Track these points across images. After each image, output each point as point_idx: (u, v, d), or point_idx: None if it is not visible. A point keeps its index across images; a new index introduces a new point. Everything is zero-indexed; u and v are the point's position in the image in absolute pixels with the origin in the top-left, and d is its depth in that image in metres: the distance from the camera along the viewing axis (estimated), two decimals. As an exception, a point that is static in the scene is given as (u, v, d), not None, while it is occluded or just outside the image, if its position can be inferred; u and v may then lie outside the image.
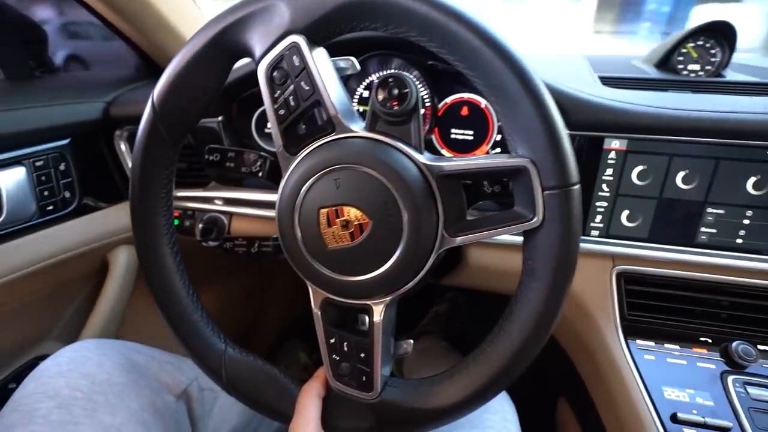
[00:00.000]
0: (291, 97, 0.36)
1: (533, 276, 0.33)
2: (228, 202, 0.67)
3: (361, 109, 0.62)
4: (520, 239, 0.55)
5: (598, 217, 0.54)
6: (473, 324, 1.18)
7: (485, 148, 0.58)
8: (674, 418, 0.45)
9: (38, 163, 0.59)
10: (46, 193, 0.61)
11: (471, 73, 0.32)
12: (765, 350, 0.51)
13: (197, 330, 0.42)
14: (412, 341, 0.41)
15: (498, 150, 0.58)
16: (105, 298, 0.71)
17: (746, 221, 0.50)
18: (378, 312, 0.37)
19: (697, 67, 0.61)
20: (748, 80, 0.63)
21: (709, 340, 0.52)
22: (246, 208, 0.66)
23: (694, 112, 0.48)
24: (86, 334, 0.71)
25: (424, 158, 0.35)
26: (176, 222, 0.69)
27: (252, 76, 0.60)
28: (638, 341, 0.52)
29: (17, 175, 0.57)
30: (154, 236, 0.42)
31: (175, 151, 0.42)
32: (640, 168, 0.51)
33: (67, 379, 0.45)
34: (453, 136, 0.59)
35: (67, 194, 0.64)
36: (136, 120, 0.41)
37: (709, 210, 0.50)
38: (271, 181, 0.51)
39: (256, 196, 0.65)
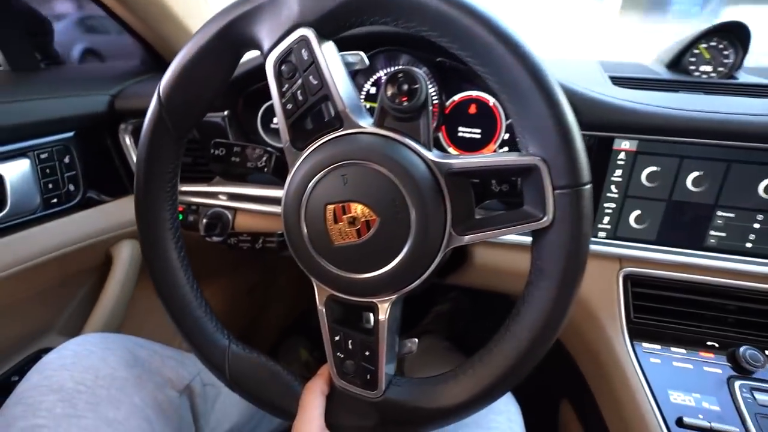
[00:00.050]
0: (299, 92, 0.35)
1: (542, 276, 0.32)
2: (232, 197, 0.67)
3: (368, 105, 0.62)
4: (526, 239, 0.56)
5: (606, 219, 0.53)
6: (475, 324, 1.18)
7: (493, 146, 0.58)
8: (680, 423, 0.44)
9: (43, 156, 0.59)
10: (50, 185, 0.60)
11: (483, 70, 0.32)
12: (773, 355, 0.50)
13: (201, 326, 0.42)
14: (416, 340, 0.41)
15: (506, 149, 0.58)
16: (108, 292, 0.71)
17: (756, 225, 0.49)
18: (383, 310, 0.36)
19: (709, 68, 0.60)
20: (762, 82, 0.62)
21: (716, 345, 0.52)
22: (250, 204, 0.65)
23: (706, 114, 0.47)
24: (89, 327, 0.71)
25: (432, 155, 0.34)
26: (180, 217, 0.68)
27: (258, 70, 0.59)
28: (644, 344, 0.52)
29: (21, 167, 0.57)
30: (159, 231, 0.42)
31: (180, 145, 0.41)
32: (649, 169, 0.50)
33: (70, 373, 0.45)
34: (460, 134, 0.59)
35: (72, 187, 0.64)
36: (142, 113, 0.41)
37: (719, 213, 0.50)
38: (277, 176, 0.50)
39: (260, 191, 0.64)
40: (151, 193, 0.41)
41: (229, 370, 0.41)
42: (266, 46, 0.35)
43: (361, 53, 0.39)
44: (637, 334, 0.53)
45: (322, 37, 0.35)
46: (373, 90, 0.61)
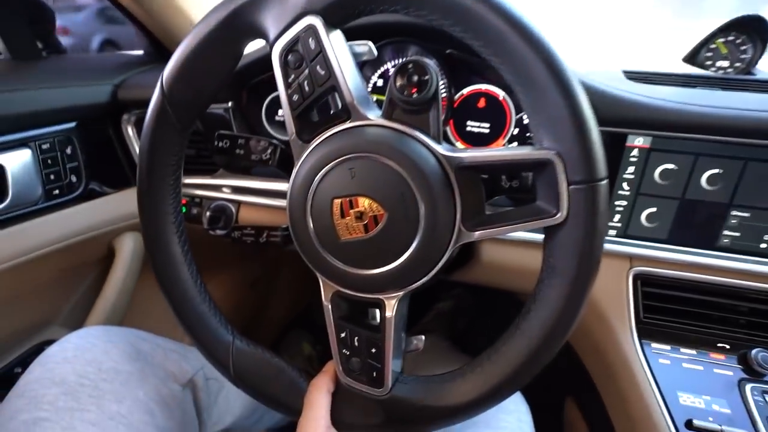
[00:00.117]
0: (306, 82, 0.34)
1: (554, 274, 0.31)
2: (236, 190, 0.66)
3: (375, 98, 0.60)
4: (536, 236, 0.55)
5: (617, 217, 0.52)
6: (477, 323, 1.17)
7: (501, 142, 0.57)
8: (689, 425, 0.44)
9: (44, 146, 0.58)
10: (52, 176, 0.60)
11: (496, 60, 0.31)
12: (785, 358, 0.49)
13: (204, 321, 0.41)
14: (423, 337, 0.40)
15: (515, 145, 0.57)
16: (111, 284, 0.71)
17: (772, 225, 0.48)
18: (390, 307, 0.36)
19: (725, 63, 0.58)
20: None
21: (727, 346, 0.51)
22: (254, 197, 0.64)
23: (723, 110, 0.46)
24: (92, 320, 0.70)
25: (442, 149, 0.33)
26: (183, 209, 0.68)
27: (263, 60, 0.58)
28: (653, 344, 0.51)
29: (23, 157, 0.56)
30: (161, 224, 0.41)
31: (183, 137, 0.40)
32: (663, 167, 0.49)
33: (73, 366, 0.45)
34: (468, 128, 0.58)
35: (74, 178, 0.63)
36: (144, 104, 0.40)
37: (734, 213, 0.49)
38: (281, 169, 0.49)
39: (264, 184, 0.63)
40: (153, 185, 0.41)
41: (233, 366, 0.40)
42: (272, 35, 0.34)
43: (370, 43, 0.38)
44: (647, 334, 0.52)
45: (330, 25, 0.34)
46: (380, 82, 0.60)
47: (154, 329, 0.57)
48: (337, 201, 0.34)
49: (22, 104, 0.56)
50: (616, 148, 0.50)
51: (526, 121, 0.55)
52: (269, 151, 0.50)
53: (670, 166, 0.49)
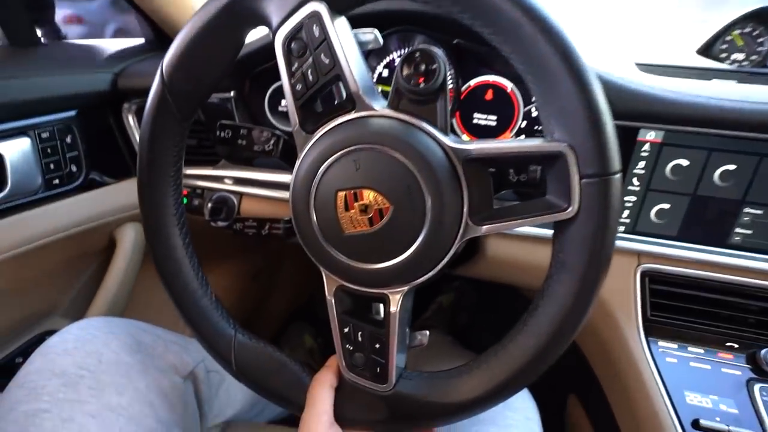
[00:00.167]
0: (309, 71, 0.33)
1: (563, 270, 0.31)
2: (238, 181, 0.65)
3: (380, 89, 0.59)
4: (543, 231, 0.54)
5: (626, 213, 0.51)
6: (479, 318, 1.16)
7: (509, 134, 0.56)
8: (696, 425, 0.43)
9: (43, 135, 0.57)
10: (52, 166, 0.59)
11: (506, 48, 0.30)
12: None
13: (206, 315, 0.41)
14: (427, 333, 0.39)
15: (522, 137, 0.55)
16: (112, 275, 0.70)
17: (786, 223, 0.47)
18: (395, 302, 0.35)
19: (741, 56, 0.57)
20: None
21: (736, 346, 0.50)
22: (257, 189, 0.64)
23: (738, 104, 0.45)
24: (93, 311, 0.70)
25: (450, 140, 0.32)
26: (185, 200, 0.67)
27: (266, 49, 0.57)
28: (660, 343, 0.50)
29: (22, 146, 0.55)
30: (162, 216, 0.40)
31: (184, 127, 0.39)
32: (675, 162, 0.48)
33: (73, 357, 0.45)
34: (475, 121, 0.56)
35: (74, 168, 0.62)
36: (145, 92, 0.39)
37: (747, 210, 0.47)
38: (284, 160, 0.49)
39: (267, 176, 0.63)
40: (154, 176, 0.40)
41: (235, 360, 0.40)
42: (275, 21, 0.33)
43: (375, 31, 0.37)
44: (654, 332, 0.51)
45: (335, 12, 0.33)
46: (385, 73, 0.59)
47: (156, 320, 0.56)
48: (342, 193, 0.33)
49: (20, 92, 0.55)
50: (626, 142, 0.49)
51: (534, 114, 0.54)
52: (272, 141, 0.49)
53: (683, 161, 0.48)
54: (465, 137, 0.57)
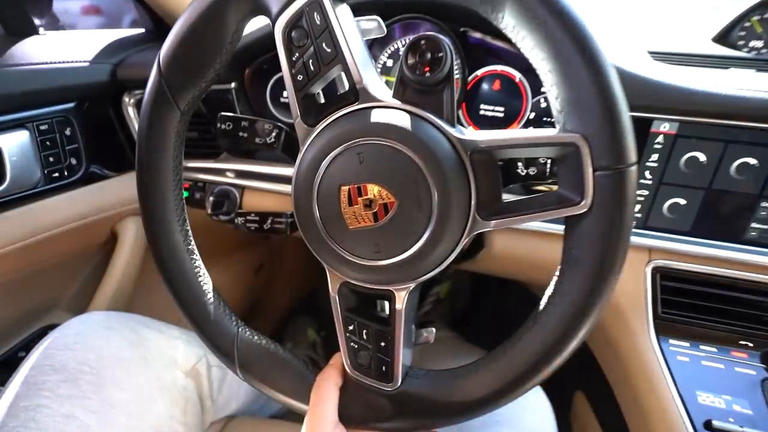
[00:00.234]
0: (311, 61, 0.32)
1: (576, 266, 0.29)
2: (240, 174, 0.64)
3: (384, 79, 0.58)
4: (552, 226, 0.53)
5: (637, 207, 0.50)
6: (475, 304, 1.15)
7: (516, 126, 0.54)
8: (708, 426, 0.42)
9: (42, 127, 0.57)
10: (51, 159, 0.58)
11: (518, 34, 0.28)
12: (810, 357, 0.47)
13: (208, 312, 0.40)
14: (433, 330, 0.39)
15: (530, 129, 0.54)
16: (114, 269, 0.70)
17: (804, 218, 0.45)
18: (400, 299, 0.34)
19: (760, 43, 0.54)
20: None
21: (750, 344, 0.49)
22: (259, 182, 0.63)
23: (757, 94, 0.43)
24: (96, 304, 0.70)
25: (457, 132, 0.31)
26: (186, 194, 0.66)
27: (267, 38, 0.56)
28: (672, 341, 0.49)
29: (20, 138, 0.55)
30: (162, 211, 0.39)
31: (183, 119, 0.38)
32: (689, 154, 0.46)
33: (74, 353, 0.44)
34: (482, 112, 0.55)
35: (74, 161, 0.61)
36: (145, 83, 0.38)
37: (764, 204, 0.46)
38: (287, 153, 0.47)
39: (270, 169, 0.62)
40: (153, 169, 0.39)
41: (238, 358, 0.39)
42: (274, 9, 0.32)
43: (378, 18, 0.36)
44: (665, 330, 0.50)
45: None
46: (390, 62, 0.57)
47: (160, 313, 0.56)
48: (345, 188, 0.32)
49: (17, 83, 0.54)
50: (639, 134, 0.46)
51: (543, 105, 0.53)
52: (274, 134, 0.48)
53: (698, 154, 0.46)
54: (471, 129, 0.56)
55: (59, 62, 0.60)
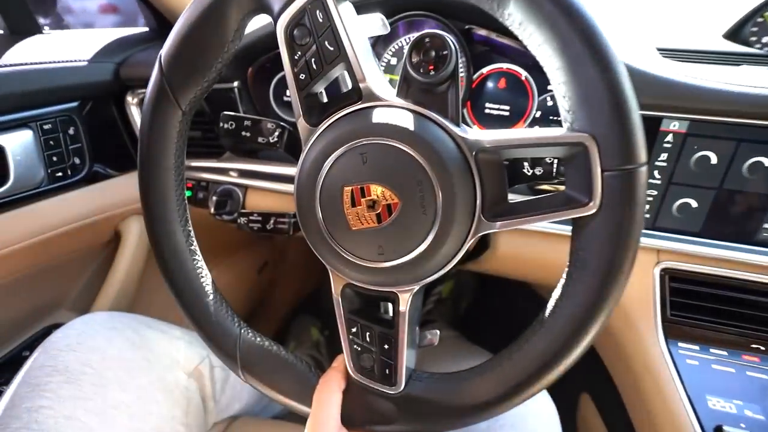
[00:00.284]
0: (313, 59, 0.32)
1: (584, 269, 0.29)
2: (243, 174, 0.64)
3: (388, 78, 0.57)
4: (559, 227, 0.52)
5: (646, 207, 0.49)
6: (478, 303, 1.14)
7: (522, 125, 0.53)
8: (719, 431, 0.41)
9: (46, 127, 0.57)
10: (54, 158, 0.58)
11: (524, 30, 0.27)
12: (824, 361, 0.46)
13: (210, 313, 0.39)
14: (438, 332, 0.38)
15: (536, 128, 0.53)
16: (117, 268, 0.70)
17: (819, 219, 0.44)
18: (404, 301, 0.34)
19: (773, 39, 0.53)
20: None
21: (762, 348, 0.48)
22: (262, 182, 0.62)
23: None
24: (99, 304, 0.70)
25: (461, 131, 0.30)
26: (189, 193, 0.66)
27: (270, 36, 0.55)
28: (681, 344, 0.48)
29: (23, 138, 0.55)
30: (164, 211, 0.39)
31: (185, 118, 0.38)
32: (700, 154, 0.45)
33: (76, 354, 0.44)
34: (487, 111, 0.54)
35: (77, 160, 0.61)
36: (147, 83, 0.38)
37: (778, 204, 0.45)
38: (290, 153, 0.47)
39: (273, 168, 0.61)
40: (155, 169, 0.38)
41: (240, 359, 0.39)
42: (276, 7, 0.32)
43: (381, 16, 0.35)
44: (674, 332, 0.49)
45: None
46: (393, 61, 0.57)
47: (162, 313, 0.56)
48: (348, 189, 0.31)
49: (20, 82, 0.54)
50: (648, 133, 0.45)
51: (549, 103, 0.52)
52: (277, 133, 0.48)
53: (708, 153, 0.45)
54: (476, 128, 0.55)
55: (62, 61, 0.59)
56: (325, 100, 0.34)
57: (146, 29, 0.79)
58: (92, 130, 0.63)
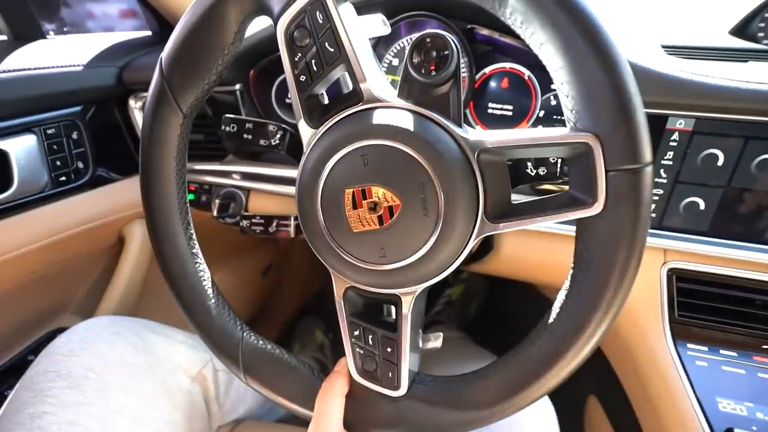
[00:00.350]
0: (313, 61, 0.31)
1: (589, 271, 0.28)
2: (246, 177, 0.64)
3: (390, 79, 0.57)
4: (563, 227, 0.51)
5: (652, 206, 0.48)
6: (488, 307, 1.13)
7: (526, 125, 0.53)
8: None
9: (49, 131, 0.57)
10: (58, 163, 0.58)
11: (526, 29, 0.27)
12: (836, 362, 0.45)
13: (213, 316, 0.39)
14: (441, 335, 0.38)
15: (540, 128, 0.52)
16: (121, 272, 0.70)
17: (830, 217, 0.43)
18: (407, 303, 0.34)
19: (781, 35, 0.52)
20: None
21: None
22: (265, 184, 0.62)
23: None
24: (103, 308, 0.70)
25: (463, 132, 0.30)
26: (192, 197, 0.66)
27: (271, 39, 0.55)
28: (689, 345, 0.48)
29: (27, 142, 0.55)
30: (166, 214, 0.39)
31: (186, 121, 0.38)
32: (707, 152, 0.45)
33: (79, 359, 0.44)
34: (490, 111, 0.54)
35: (81, 164, 0.62)
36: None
37: (787, 202, 0.44)
38: (291, 155, 0.47)
39: (275, 171, 0.61)
40: (156, 172, 0.38)
41: (243, 363, 0.38)
42: (276, 8, 0.32)
43: (382, 16, 0.35)
44: (682, 333, 0.48)
45: None
46: (395, 62, 0.57)
47: (166, 317, 0.56)
48: (349, 191, 0.31)
49: (24, 87, 0.55)
50: (654, 131, 0.45)
51: (553, 103, 0.51)
52: (278, 135, 0.48)
53: (715, 151, 0.44)
54: (479, 128, 0.54)
55: (65, 66, 0.60)
56: (327, 101, 0.34)
57: (149, 33, 0.80)
58: (95, 134, 0.64)
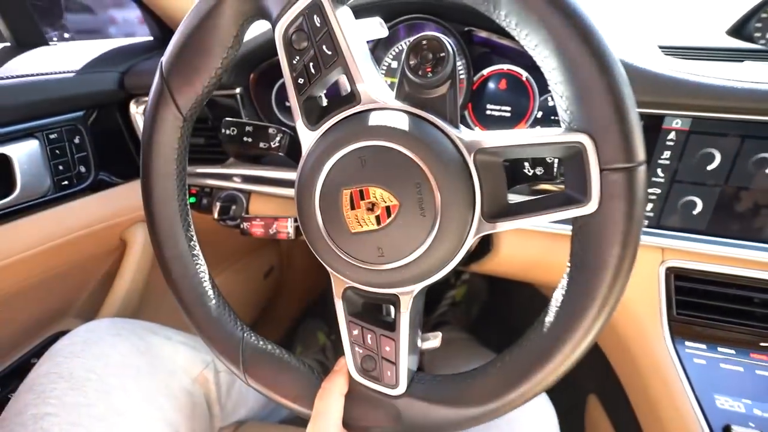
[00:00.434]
0: (311, 64, 0.32)
1: (584, 270, 0.28)
2: (247, 179, 0.64)
3: (389, 81, 0.57)
4: (561, 226, 0.52)
5: (650, 206, 0.48)
6: (491, 307, 1.14)
7: (524, 125, 0.53)
8: (727, 431, 0.41)
9: (51, 136, 0.57)
10: (60, 167, 0.59)
11: (521, 31, 0.27)
12: (835, 359, 0.45)
13: (214, 318, 0.40)
14: (440, 334, 0.38)
15: (538, 128, 0.53)
16: (123, 275, 0.71)
17: (827, 214, 0.43)
18: (405, 303, 0.34)
19: (777, 35, 0.53)
20: None
21: None
22: (266, 187, 0.63)
23: None
24: (105, 311, 0.71)
25: (460, 133, 0.31)
26: (194, 200, 0.67)
27: (271, 42, 0.56)
28: (687, 343, 0.48)
29: (30, 147, 0.55)
30: (167, 217, 0.39)
31: (186, 124, 0.38)
32: (704, 151, 0.45)
33: (81, 360, 0.44)
34: (488, 112, 0.54)
35: (83, 169, 0.62)
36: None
37: (784, 200, 0.44)
38: (292, 158, 0.47)
39: (276, 173, 0.61)
40: (157, 175, 0.39)
41: (244, 364, 0.39)
42: (274, 12, 0.32)
43: (379, 19, 0.35)
44: (680, 331, 0.48)
45: (337, 1, 0.31)
46: (394, 64, 0.57)
47: (168, 320, 0.56)
48: (347, 191, 0.31)
49: (26, 93, 0.55)
50: (651, 131, 0.46)
51: (551, 103, 0.52)
52: (278, 138, 0.48)
53: (712, 150, 0.45)
54: (477, 129, 0.55)
55: (67, 72, 0.60)
56: (325, 103, 0.35)
57: (150, 38, 0.80)
58: (97, 138, 0.64)
